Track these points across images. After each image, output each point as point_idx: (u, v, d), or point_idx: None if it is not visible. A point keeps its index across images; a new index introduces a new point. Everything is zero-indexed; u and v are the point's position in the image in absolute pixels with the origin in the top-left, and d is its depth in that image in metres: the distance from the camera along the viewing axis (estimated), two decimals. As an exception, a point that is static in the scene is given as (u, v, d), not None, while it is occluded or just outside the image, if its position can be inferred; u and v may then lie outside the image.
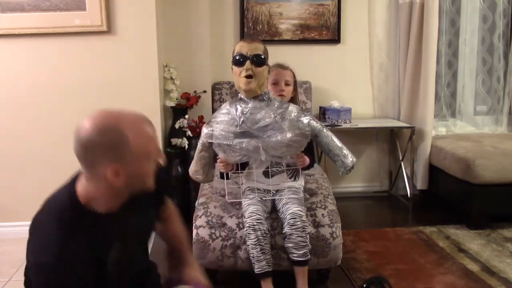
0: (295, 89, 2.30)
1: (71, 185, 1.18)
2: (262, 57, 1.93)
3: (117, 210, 1.20)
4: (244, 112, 1.95)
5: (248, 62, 1.90)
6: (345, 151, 2.01)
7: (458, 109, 3.84)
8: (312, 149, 2.18)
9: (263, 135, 1.93)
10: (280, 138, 1.92)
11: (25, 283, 1.26)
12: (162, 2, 3.11)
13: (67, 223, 1.11)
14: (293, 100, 2.28)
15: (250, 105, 1.96)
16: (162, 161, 1.23)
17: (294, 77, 2.29)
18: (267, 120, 1.93)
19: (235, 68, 1.95)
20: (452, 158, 3.15)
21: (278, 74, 2.21)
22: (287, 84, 2.23)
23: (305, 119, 1.98)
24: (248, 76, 1.90)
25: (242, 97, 1.99)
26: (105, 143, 1.09)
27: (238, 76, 1.93)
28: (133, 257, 1.29)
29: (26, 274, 1.25)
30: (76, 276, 1.09)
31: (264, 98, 1.98)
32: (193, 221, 2.20)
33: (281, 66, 2.25)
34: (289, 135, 1.93)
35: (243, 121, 1.94)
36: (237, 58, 1.93)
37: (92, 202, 1.16)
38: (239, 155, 1.98)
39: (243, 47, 1.93)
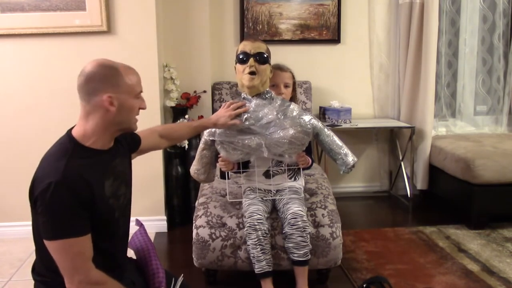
0: (293, 89, 2.29)
1: (67, 132, 1.40)
2: (265, 55, 1.96)
3: (106, 149, 1.41)
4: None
5: (251, 60, 1.94)
6: (346, 150, 2.03)
7: (458, 109, 3.84)
8: (311, 149, 2.19)
9: (266, 132, 1.95)
10: (282, 134, 1.94)
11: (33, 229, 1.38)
12: (162, 2, 3.11)
13: (69, 153, 1.32)
14: (292, 99, 2.28)
15: (253, 103, 1.98)
16: (144, 106, 1.44)
17: (293, 77, 2.29)
18: (269, 117, 1.96)
19: (239, 66, 1.98)
20: (452, 158, 3.15)
21: (277, 77, 2.19)
22: (286, 86, 2.22)
23: (307, 117, 2.01)
24: (252, 73, 1.94)
25: (245, 95, 2.02)
26: (104, 74, 1.34)
27: (241, 74, 1.97)
28: (120, 196, 1.46)
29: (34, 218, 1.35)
30: (76, 194, 1.26)
31: (267, 96, 2.01)
32: (193, 221, 2.20)
33: (280, 68, 2.23)
34: (291, 131, 1.95)
35: (246, 118, 1.96)
36: (240, 56, 1.97)
37: (87, 139, 1.36)
38: (241, 154, 1.99)
39: (247, 46, 1.97)
